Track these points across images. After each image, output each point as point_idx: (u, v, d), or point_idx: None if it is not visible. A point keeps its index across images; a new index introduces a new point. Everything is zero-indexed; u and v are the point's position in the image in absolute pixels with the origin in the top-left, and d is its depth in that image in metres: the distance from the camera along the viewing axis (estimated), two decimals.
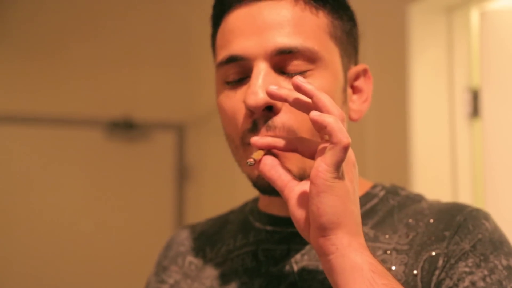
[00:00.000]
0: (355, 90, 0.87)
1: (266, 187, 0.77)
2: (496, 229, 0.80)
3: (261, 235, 0.88)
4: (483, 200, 1.82)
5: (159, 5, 3.69)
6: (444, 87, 1.87)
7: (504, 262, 0.75)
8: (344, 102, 0.83)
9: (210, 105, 3.36)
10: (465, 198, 1.85)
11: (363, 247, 0.67)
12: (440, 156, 1.86)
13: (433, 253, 0.76)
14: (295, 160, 0.75)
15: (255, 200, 0.95)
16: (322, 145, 0.67)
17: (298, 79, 0.67)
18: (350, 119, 0.86)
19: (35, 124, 3.41)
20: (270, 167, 0.71)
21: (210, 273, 0.89)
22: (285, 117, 0.75)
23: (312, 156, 0.70)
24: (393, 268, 0.77)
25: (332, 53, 0.80)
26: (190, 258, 0.94)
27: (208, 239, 0.95)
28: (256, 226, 0.90)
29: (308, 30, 0.78)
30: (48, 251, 3.37)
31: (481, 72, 1.82)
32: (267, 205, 0.89)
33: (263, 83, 0.74)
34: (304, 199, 0.68)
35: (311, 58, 0.78)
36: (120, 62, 3.57)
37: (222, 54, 0.80)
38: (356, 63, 0.88)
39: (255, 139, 0.72)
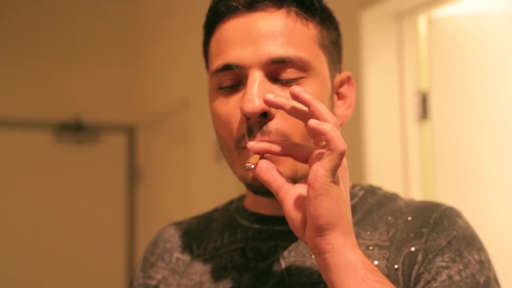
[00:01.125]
0: (340, 96, 0.89)
1: (260, 188, 0.79)
2: (468, 226, 0.84)
3: (249, 233, 0.89)
4: (432, 198, 1.88)
5: (109, 6, 3.65)
6: (395, 90, 1.90)
7: (476, 257, 0.80)
8: (331, 108, 0.86)
9: (160, 107, 3.38)
10: (415, 195, 1.85)
11: (356, 246, 0.69)
12: (391, 157, 1.89)
13: (413, 249, 0.80)
14: (287, 163, 0.77)
15: (240, 199, 0.96)
16: (317, 151, 0.69)
17: (296, 89, 0.69)
18: (344, 119, 0.89)
19: None
20: (266, 170, 0.72)
21: (199, 269, 0.90)
22: (279, 123, 0.78)
23: (304, 160, 0.72)
24: (376, 262, 0.80)
25: (321, 62, 0.83)
26: (177, 254, 0.95)
27: (194, 236, 0.96)
28: (243, 224, 0.91)
29: (299, 40, 0.81)
30: None
31: (429, 76, 1.88)
32: (255, 204, 0.91)
33: (258, 91, 0.76)
34: (299, 201, 0.70)
35: (303, 67, 0.80)
36: (69, 63, 3.52)
37: (218, 62, 0.82)
38: (340, 71, 0.90)
39: (252, 144, 0.73)
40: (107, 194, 3.56)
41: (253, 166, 0.72)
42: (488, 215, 1.82)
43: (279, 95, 0.76)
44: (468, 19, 1.88)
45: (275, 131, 0.77)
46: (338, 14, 2.02)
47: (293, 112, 0.71)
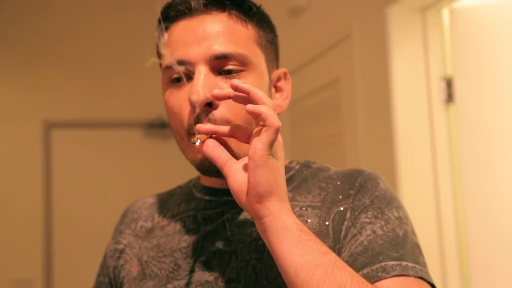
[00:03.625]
0: (277, 89, 0.90)
1: (206, 168, 0.81)
2: (388, 188, 0.86)
3: (201, 203, 0.91)
4: (459, 175, 1.82)
5: None
6: (422, 77, 1.87)
7: (396, 214, 0.82)
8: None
9: None
10: (443, 174, 1.84)
11: (290, 211, 0.70)
12: (420, 138, 1.86)
13: (341, 208, 0.82)
14: (232, 144, 0.79)
15: (198, 177, 0.98)
16: (257, 129, 0.69)
17: (235, 81, 0.70)
18: (281, 109, 0.90)
19: (89, 127, 3.52)
20: (212, 148, 0.73)
21: (157, 233, 0.92)
22: (223, 111, 0.78)
23: (246, 140, 0.73)
24: (309, 220, 0.82)
25: (259, 58, 0.84)
26: (141, 223, 0.97)
27: (157, 208, 0.98)
28: (197, 196, 0.93)
29: (239, 39, 0.82)
30: (98, 235, 3.33)
31: (453, 63, 1.83)
32: (208, 180, 0.92)
33: (204, 83, 0.77)
34: (240, 174, 0.71)
35: (243, 61, 0.81)
36: (153, 75, 3.58)
37: (168, 59, 0.82)
38: (277, 67, 0.91)
39: (200, 126, 0.74)
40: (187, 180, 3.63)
41: (199, 141, 0.73)
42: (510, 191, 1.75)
43: (223, 87, 0.78)
44: (489, 8, 1.81)
45: (220, 118, 0.78)
46: (367, 11, 2.00)
47: (238, 99, 0.72)
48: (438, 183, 1.84)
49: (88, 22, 3.54)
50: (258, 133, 0.68)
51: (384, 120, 1.88)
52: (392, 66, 1.84)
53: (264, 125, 0.67)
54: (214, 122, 0.77)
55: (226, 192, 0.86)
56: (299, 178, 0.89)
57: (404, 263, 0.75)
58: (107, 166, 3.50)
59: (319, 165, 0.93)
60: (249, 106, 0.68)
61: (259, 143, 0.67)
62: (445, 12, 1.85)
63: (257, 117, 0.69)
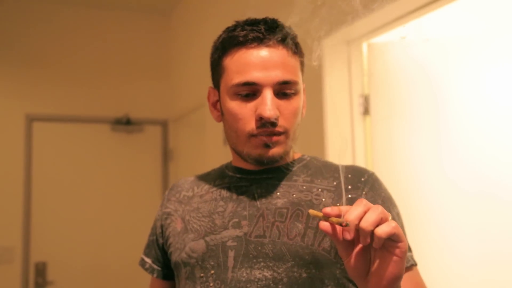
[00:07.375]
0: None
1: (264, 161, 0.85)
2: (386, 187, 0.89)
3: (233, 179, 0.93)
4: (373, 170, 1.92)
5: (149, 37, 3.66)
6: (346, 93, 1.92)
7: (396, 210, 0.86)
8: (302, 109, 0.91)
9: (185, 106, 3.42)
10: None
11: None
12: (345, 141, 1.90)
13: (350, 196, 0.84)
14: (283, 146, 0.85)
15: (230, 162, 1.00)
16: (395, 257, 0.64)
17: (389, 227, 0.63)
18: (302, 116, 0.93)
19: (65, 121, 3.39)
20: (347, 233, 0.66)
21: (197, 200, 0.95)
22: (282, 122, 0.83)
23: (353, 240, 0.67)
24: (323, 200, 0.84)
25: (301, 82, 0.88)
26: (184, 192, 0.99)
27: (196, 182, 1.00)
28: (229, 174, 0.95)
29: (293, 69, 0.85)
30: (71, 212, 3.33)
31: (369, 83, 1.91)
32: (238, 163, 0.95)
33: (272, 103, 0.81)
34: (359, 264, 0.67)
35: (295, 87, 0.84)
36: (121, 78, 3.53)
37: (240, 78, 0.83)
38: None
39: (328, 211, 0.66)
40: (148, 169, 3.57)
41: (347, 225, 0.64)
42: (411, 182, 1.88)
43: (285, 107, 0.83)
44: (396, 44, 1.91)
45: (279, 125, 0.83)
46: (308, 42, 2.03)
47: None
48: None
49: (67, 30, 3.41)
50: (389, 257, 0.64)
51: (318, 127, 1.92)
52: (324, 85, 1.88)
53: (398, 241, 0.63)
54: (275, 126, 0.82)
55: (252, 172, 0.91)
56: (314, 167, 0.92)
57: (409, 254, 0.81)
58: (80, 154, 3.41)
59: (326, 160, 0.95)
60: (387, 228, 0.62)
61: (402, 249, 0.63)
62: (364, 46, 1.92)
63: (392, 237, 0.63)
